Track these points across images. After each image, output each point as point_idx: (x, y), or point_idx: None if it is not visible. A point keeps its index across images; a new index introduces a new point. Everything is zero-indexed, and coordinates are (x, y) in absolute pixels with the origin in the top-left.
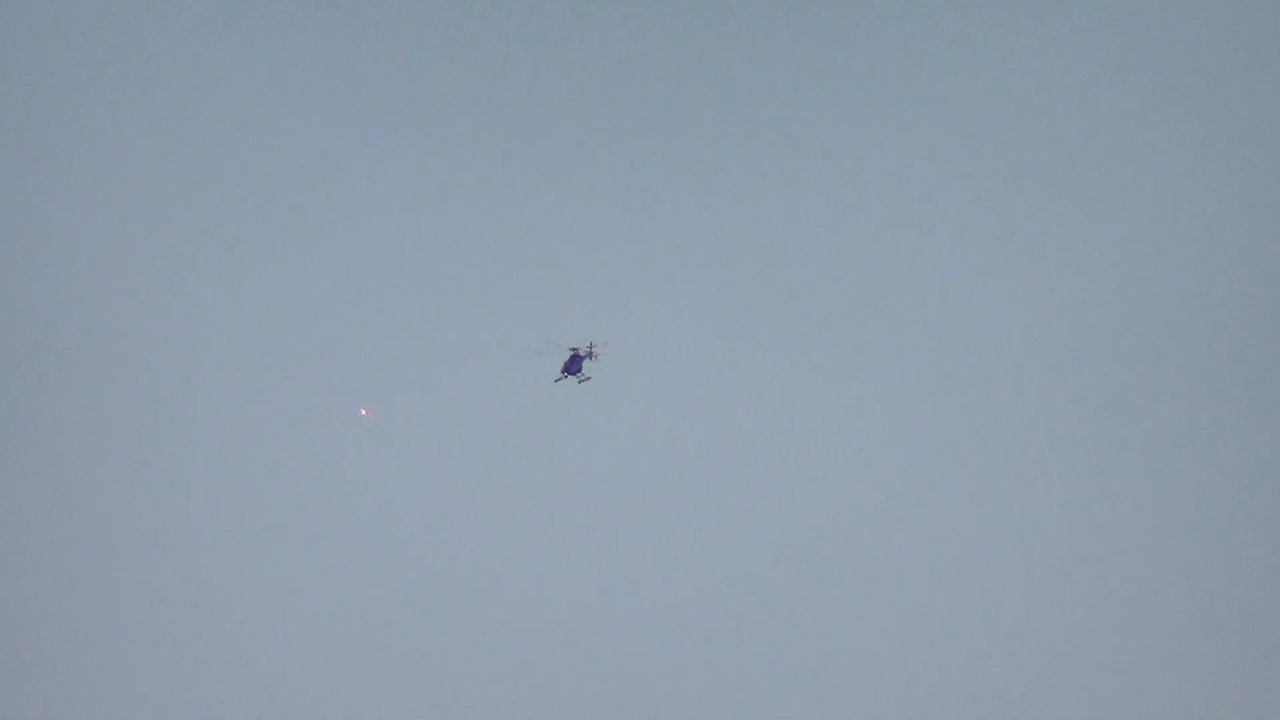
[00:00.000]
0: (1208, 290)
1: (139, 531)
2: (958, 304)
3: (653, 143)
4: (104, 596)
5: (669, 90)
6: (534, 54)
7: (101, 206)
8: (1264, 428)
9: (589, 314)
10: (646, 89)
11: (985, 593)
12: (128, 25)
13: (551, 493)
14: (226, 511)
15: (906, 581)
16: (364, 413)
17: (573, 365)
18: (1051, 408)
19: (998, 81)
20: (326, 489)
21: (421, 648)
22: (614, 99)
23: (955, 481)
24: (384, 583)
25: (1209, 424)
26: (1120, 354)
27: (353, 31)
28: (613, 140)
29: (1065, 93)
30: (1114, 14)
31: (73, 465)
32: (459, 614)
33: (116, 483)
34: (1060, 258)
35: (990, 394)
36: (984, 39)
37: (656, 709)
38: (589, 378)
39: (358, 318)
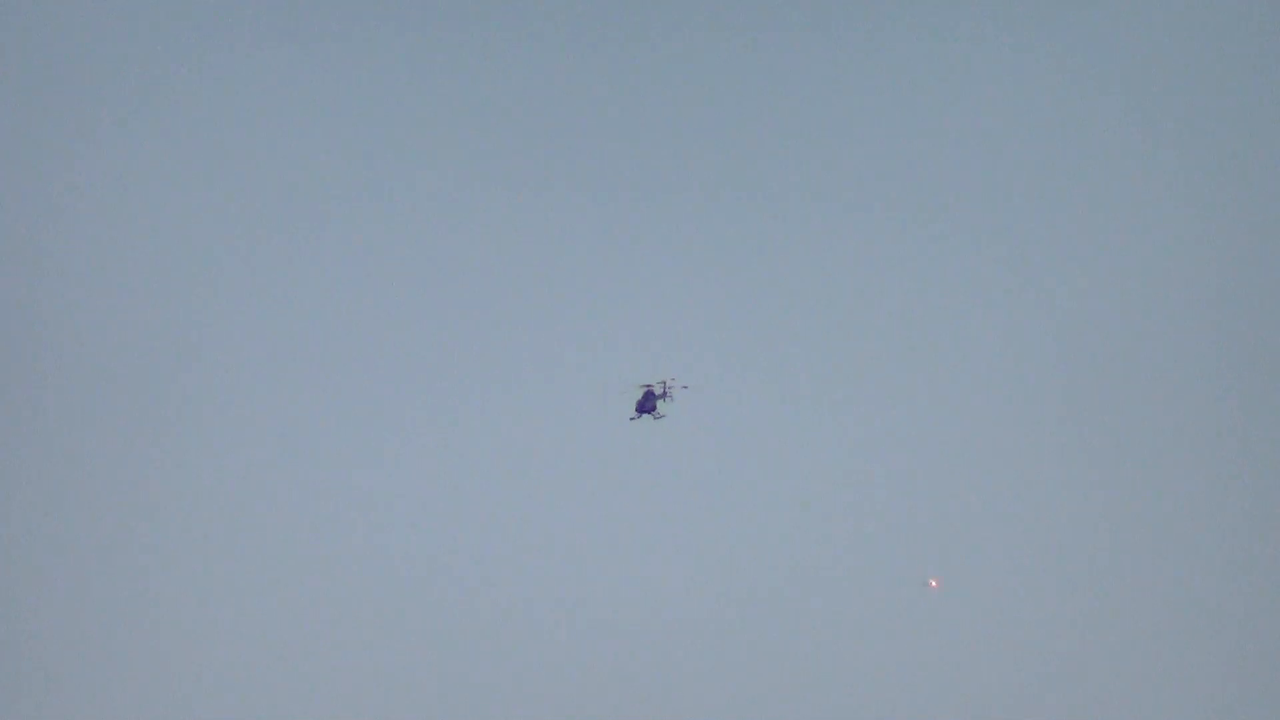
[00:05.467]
0: (1205, 295)
1: (142, 534)
2: (972, 314)
3: (683, 158)
4: (109, 599)
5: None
6: (589, 84)
7: (107, 209)
8: (1261, 433)
9: (609, 329)
10: (686, 107)
11: (997, 602)
12: (130, 28)
13: (563, 502)
14: (256, 522)
15: (920, 594)
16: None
17: (646, 403)
18: (1083, 435)
19: (1005, 89)
20: (357, 508)
21: (434, 661)
22: (647, 112)
23: (969, 493)
24: (396, 593)
25: (1206, 427)
26: (1121, 362)
27: (371, 44)
28: (638, 157)
29: (1073, 101)
30: (1112, 20)
31: (77, 469)
32: (474, 626)
33: (121, 485)
34: (1079, 269)
35: (1003, 404)
36: (986, 47)
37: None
38: (664, 415)
39: (388, 337)
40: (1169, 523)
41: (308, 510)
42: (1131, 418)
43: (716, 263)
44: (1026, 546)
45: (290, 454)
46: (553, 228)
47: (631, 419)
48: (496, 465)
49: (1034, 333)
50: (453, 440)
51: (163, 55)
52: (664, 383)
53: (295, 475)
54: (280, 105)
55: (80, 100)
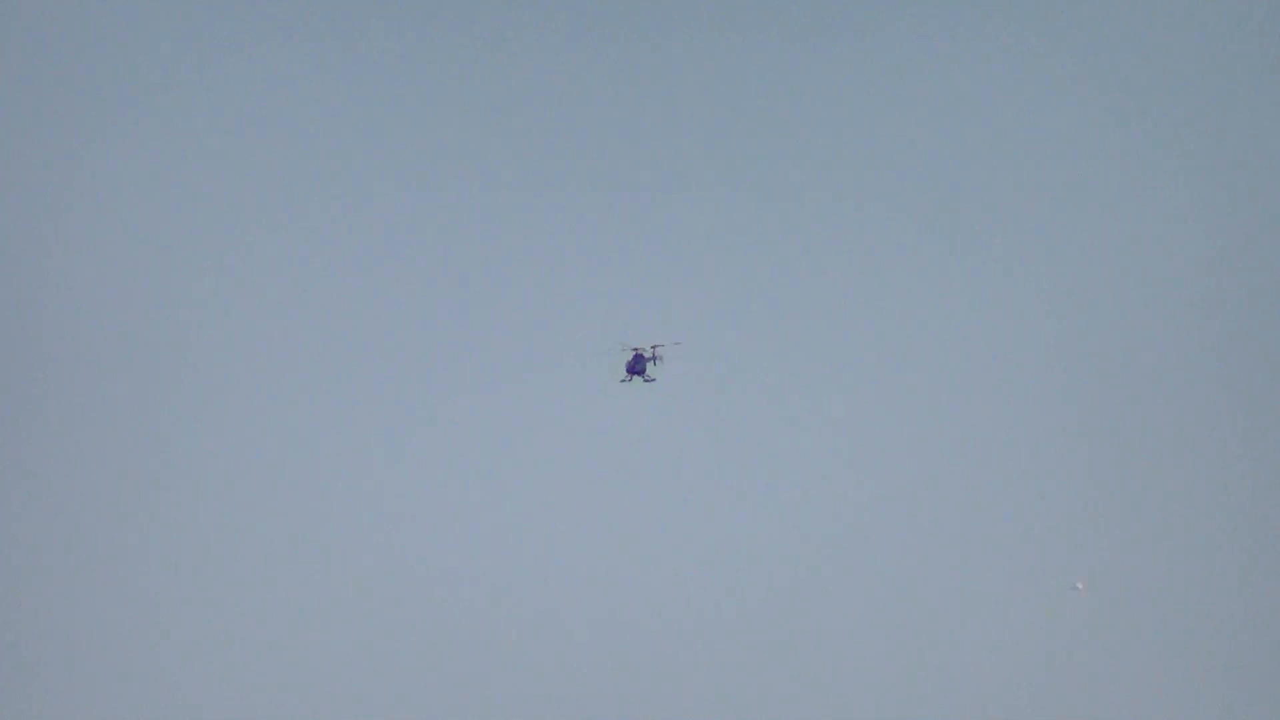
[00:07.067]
0: (1200, 299)
1: (142, 534)
2: (967, 312)
3: (673, 148)
4: (111, 598)
5: (686, 101)
6: (570, 59)
7: (108, 209)
8: (1256, 442)
9: (613, 319)
10: (670, 96)
11: (995, 601)
12: (133, 29)
13: (563, 498)
14: (259, 522)
15: (919, 591)
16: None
17: (635, 365)
18: (1072, 430)
19: (1000, 90)
20: (362, 502)
21: (436, 657)
22: (633, 107)
23: (964, 491)
24: (398, 589)
25: (1200, 430)
26: (1118, 363)
27: (370, 42)
28: (634, 146)
29: (1067, 101)
30: (1107, 26)
31: (80, 468)
32: (480, 623)
33: (122, 485)
34: (1075, 271)
35: (999, 401)
36: (984, 49)
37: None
38: (654, 379)
39: (385, 324)
40: (1165, 524)
41: (287, 486)
42: (1130, 414)
43: (716, 246)
44: (1020, 535)
45: (261, 415)
46: (552, 216)
47: (622, 381)
48: (493, 449)
49: (1027, 322)
50: (448, 423)
51: (163, 55)
52: (653, 346)
53: (268, 438)
54: (278, 105)
55: (80, 100)
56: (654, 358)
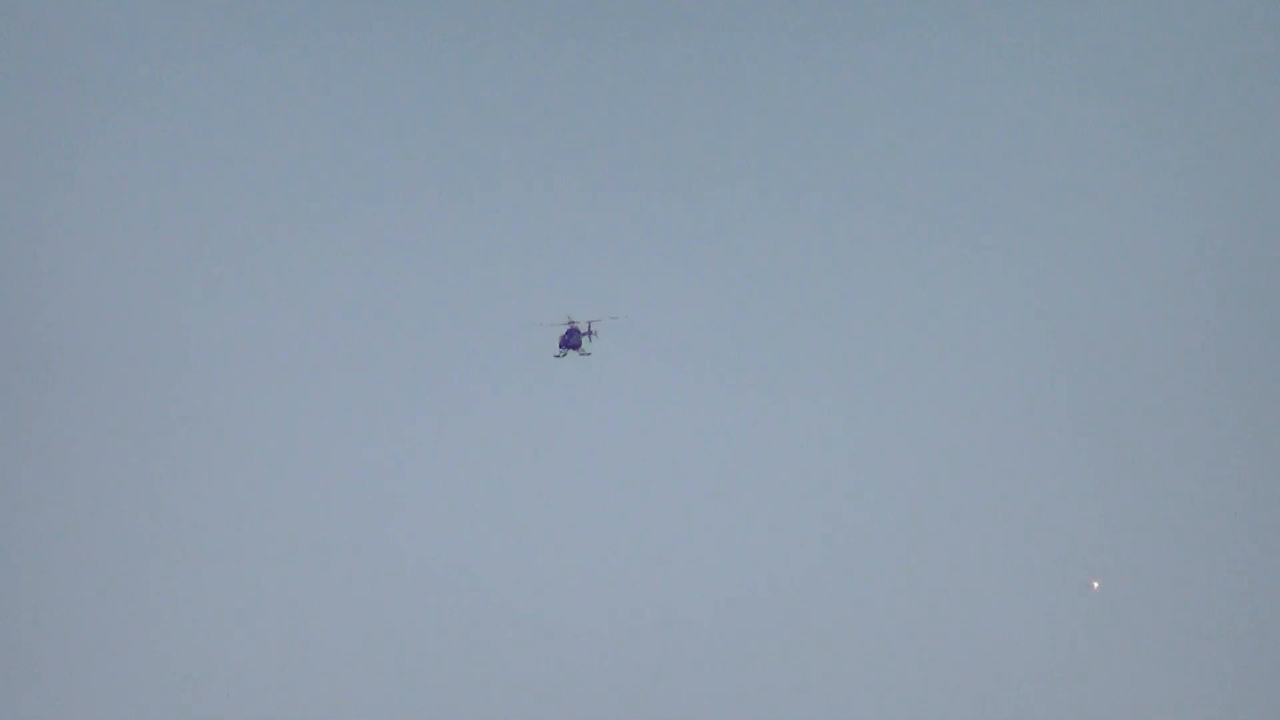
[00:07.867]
0: (1205, 299)
1: (145, 536)
2: (956, 311)
3: (654, 143)
4: (123, 598)
5: (671, 91)
6: (551, 57)
7: (115, 212)
8: (1261, 441)
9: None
10: (651, 87)
11: (987, 595)
12: (135, 30)
13: (547, 487)
14: (230, 513)
15: (908, 584)
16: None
17: (570, 339)
18: (1053, 418)
19: (996, 93)
20: (333, 490)
21: (418, 648)
22: (618, 99)
23: (955, 486)
24: (380, 579)
25: (1208, 429)
26: (1116, 364)
27: (362, 39)
28: (623, 142)
29: (1062, 105)
30: (1107, 29)
31: (84, 471)
32: (461, 613)
33: (126, 488)
34: (1060, 269)
35: (992, 396)
36: (983, 51)
37: (658, 709)
38: (589, 354)
39: (362, 317)
40: (1163, 524)
41: (262, 469)
42: (1139, 413)
43: (676, 232)
44: (1016, 539)
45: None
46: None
47: (556, 356)
48: (445, 435)
49: (1021, 317)
50: (409, 409)
51: (163, 55)
52: (589, 321)
53: (248, 427)
54: (275, 105)
55: (80, 100)
56: (589, 332)
